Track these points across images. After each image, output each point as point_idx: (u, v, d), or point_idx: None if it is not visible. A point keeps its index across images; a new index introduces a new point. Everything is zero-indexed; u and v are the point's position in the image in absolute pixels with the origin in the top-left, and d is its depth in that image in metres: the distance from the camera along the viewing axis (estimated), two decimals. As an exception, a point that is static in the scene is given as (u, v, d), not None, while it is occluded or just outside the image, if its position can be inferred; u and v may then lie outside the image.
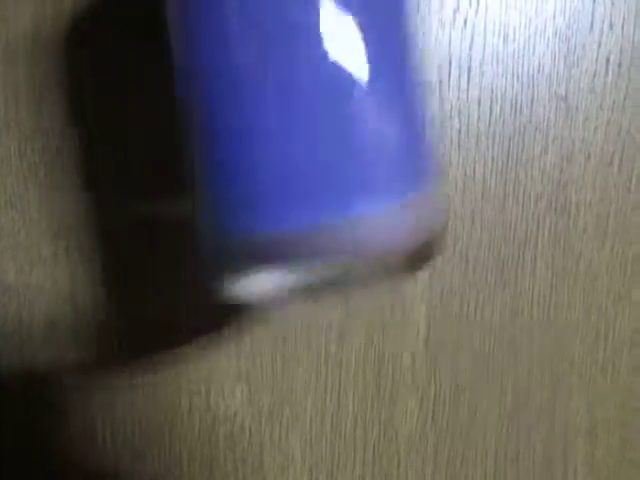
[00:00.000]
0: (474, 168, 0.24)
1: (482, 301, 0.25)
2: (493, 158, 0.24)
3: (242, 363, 0.24)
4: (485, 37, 0.23)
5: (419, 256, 0.16)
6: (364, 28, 0.16)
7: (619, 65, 0.24)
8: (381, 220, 0.15)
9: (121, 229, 0.22)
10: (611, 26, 0.24)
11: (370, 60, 0.16)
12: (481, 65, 0.24)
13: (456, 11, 0.23)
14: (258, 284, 0.16)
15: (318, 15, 0.15)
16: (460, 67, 0.23)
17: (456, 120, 0.24)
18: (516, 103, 0.24)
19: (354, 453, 0.25)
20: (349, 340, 0.24)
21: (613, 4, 0.24)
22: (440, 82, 0.23)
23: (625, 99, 0.25)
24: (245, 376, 0.24)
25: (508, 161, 0.24)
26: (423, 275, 0.24)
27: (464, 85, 0.24)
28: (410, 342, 0.24)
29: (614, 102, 0.24)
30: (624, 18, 0.24)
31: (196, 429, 0.24)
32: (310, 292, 0.16)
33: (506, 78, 0.24)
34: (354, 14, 0.15)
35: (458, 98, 0.24)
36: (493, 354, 0.25)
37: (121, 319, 0.23)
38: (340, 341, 0.24)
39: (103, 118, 0.22)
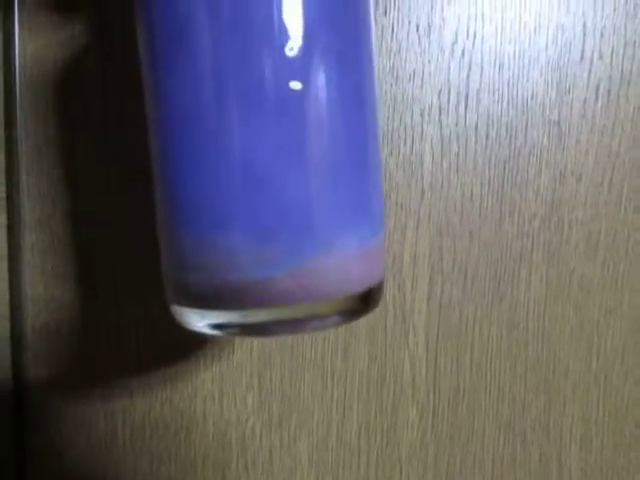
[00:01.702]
0: (472, 189, 0.26)
1: (480, 315, 0.26)
2: (490, 180, 0.26)
3: (253, 373, 0.25)
4: (482, 66, 0.25)
5: (364, 302, 0.17)
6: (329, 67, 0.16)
7: (609, 92, 0.26)
8: (335, 268, 0.16)
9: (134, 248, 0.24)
10: (601, 56, 0.26)
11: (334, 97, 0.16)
12: (478, 92, 0.25)
13: (454, 43, 0.25)
14: (211, 321, 0.17)
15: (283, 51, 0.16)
16: (458, 94, 0.25)
17: (455, 144, 0.25)
18: (511, 128, 0.25)
19: (358, 460, 0.26)
20: (353, 354, 0.25)
21: (602, 36, 0.26)
22: (440, 108, 0.25)
23: (614, 124, 0.26)
24: (256, 385, 0.25)
25: (504, 182, 0.26)
26: (423, 290, 0.25)
27: (462, 111, 0.25)
28: (410, 355, 0.26)
29: (604, 127, 0.26)
30: (613, 48, 0.26)
31: (210, 434, 0.25)
32: (262, 331, 0.17)
33: (502, 105, 0.25)
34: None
35: (456, 124, 0.25)
36: (490, 365, 0.26)
37: (140, 329, 0.24)
38: (345, 355, 0.25)
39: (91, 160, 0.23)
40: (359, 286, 0.17)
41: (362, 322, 0.25)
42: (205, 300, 0.17)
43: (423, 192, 0.25)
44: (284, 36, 0.16)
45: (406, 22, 0.24)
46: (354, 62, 0.17)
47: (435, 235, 0.25)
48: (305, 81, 0.16)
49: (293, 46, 0.16)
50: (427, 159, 0.25)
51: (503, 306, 0.26)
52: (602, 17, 0.26)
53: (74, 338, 0.24)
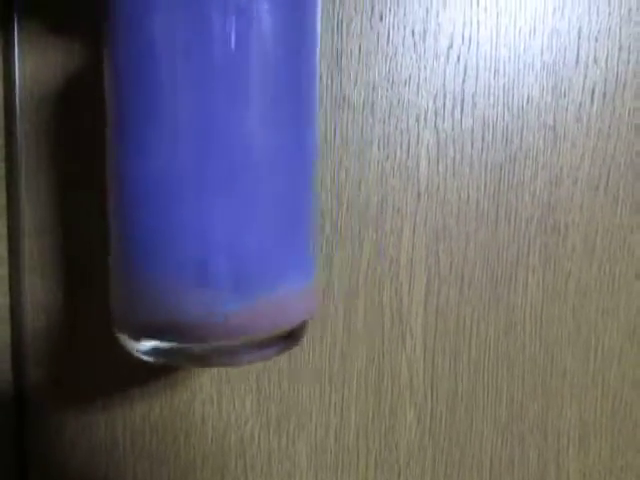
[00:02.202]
0: (468, 193, 0.26)
1: (477, 317, 0.26)
2: (486, 183, 0.26)
3: (252, 376, 0.25)
4: (477, 71, 0.25)
5: (297, 334, 0.19)
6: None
7: (604, 96, 0.26)
8: (272, 308, 0.18)
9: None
10: (595, 60, 0.26)
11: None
12: (474, 97, 0.25)
13: (450, 48, 0.25)
14: (152, 350, 0.18)
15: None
16: (454, 99, 0.25)
17: (451, 148, 0.25)
18: (507, 132, 0.26)
19: (357, 462, 0.26)
20: (351, 357, 0.26)
21: (597, 40, 0.26)
22: (435, 113, 0.25)
23: (610, 127, 0.26)
24: (255, 388, 0.25)
25: (500, 186, 0.26)
26: (420, 293, 0.26)
27: (458, 116, 0.25)
28: (408, 357, 0.26)
29: (599, 130, 0.26)
30: (608, 53, 0.26)
31: (209, 436, 0.25)
32: (202, 361, 0.18)
33: (497, 109, 0.26)
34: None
35: (452, 128, 0.25)
36: (488, 368, 0.27)
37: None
38: (342, 358, 0.26)
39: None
40: (293, 322, 0.19)
41: (359, 325, 0.26)
42: (146, 333, 0.18)
43: (419, 196, 0.25)
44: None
45: (402, 27, 0.25)
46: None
47: (432, 238, 0.26)
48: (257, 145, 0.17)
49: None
50: (423, 163, 0.25)
51: (500, 308, 0.26)
52: (597, 22, 0.26)
53: (74, 343, 0.24)
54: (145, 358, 0.18)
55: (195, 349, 0.18)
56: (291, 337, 0.19)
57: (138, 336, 0.18)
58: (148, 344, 0.18)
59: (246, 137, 0.17)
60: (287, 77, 0.17)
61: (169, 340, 0.18)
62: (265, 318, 0.18)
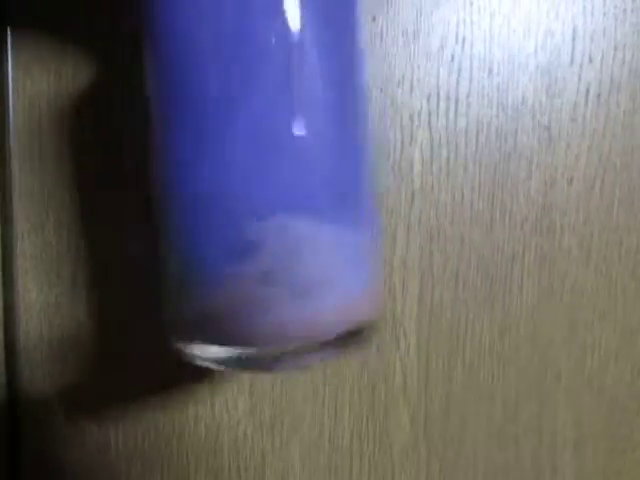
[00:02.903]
0: (463, 193, 0.26)
1: (472, 318, 0.26)
2: (480, 184, 0.26)
3: (245, 377, 0.25)
4: (471, 71, 0.25)
5: (360, 338, 0.18)
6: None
7: (598, 96, 0.26)
8: (335, 308, 0.17)
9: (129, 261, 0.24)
10: (590, 60, 0.26)
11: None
12: (468, 97, 0.25)
13: (443, 48, 0.25)
14: (205, 354, 0.18)
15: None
16: (448, 99, 0.25)
17: (445, 149, 0.25)
18: (501, 132, 0.26)
19: (350, 463, 0.26)
20: (344, 360, 0.26)
21: (592, 40, 0.26)
22: (429, 113, 0.25)
23: (604, 127, 0.26)
24: (247, 389, 0.25)
25: (494, 186, 0.26)
26: (414, 294, 0.26)
27: (452, 116, 0.25)
28: (401, 358, 0.26)
29: (594, 130, 0.26)
30: (603, 52, 0.26)
31: (202, 438, 0.25)
32: (263, 367, 0.17)
33: (491, 109, 0.25)
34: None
35: (446, 128, 0.25)
36: (482, 369, 0.26)
37: (133, 334, 0.24)
38: (336, 362, 0.25)
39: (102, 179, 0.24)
40: (360, 321, 0.18)
41: (353, 326, 0.25)
42: (205, 335, 0.17)
43: (413, 196, 0.25)
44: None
45: (394, 28, 0.25)
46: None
47: (425, 239, 0.25)
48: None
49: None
50: (417, 163, 0.25)
51: (495, 310, 0.26)
52: (591, 22, 0.26)
53: (67, 344, 0.24)
54: (209, 365, 0.18)
55: (256, 354, 0.17)
56: (359, 337, 0.18)
57: (195, 340, 0.17)
58: (211, 351, 0.17)
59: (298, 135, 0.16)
60: (340, 70, 0.17)
61: (233, 344, 0.17)
62: (329, 319, 0.17)
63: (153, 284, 0.24)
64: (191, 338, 0.18)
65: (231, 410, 0.25)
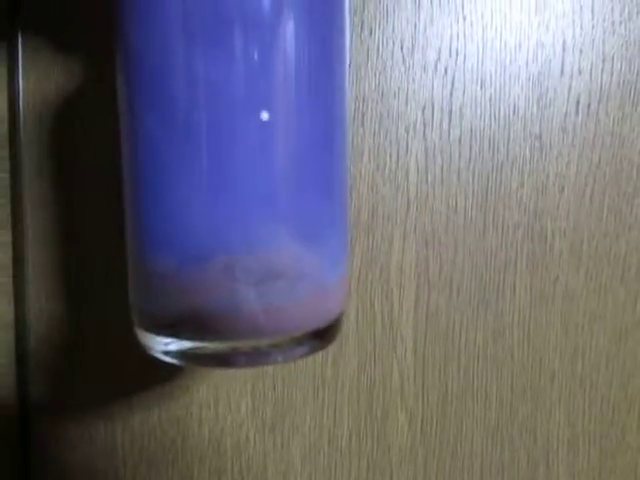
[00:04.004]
0: (456, 201, 0.26)
1: (466, 323, 0.27)
2: (474, 192, 0.26)
3: (247, 380, 0.26)
4: (464, 83, 0.26)
5: (324, 335, 0.18)
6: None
7: (588, 106, 0.27)
8: (300, 304, 0.17)
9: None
10: (580, 71, 0.27)
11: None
12: (461, 108, 0.26)
13: (437, 61, 0.26)
14: (176, 348, 0.17)
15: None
16: (442, 110, 0.26)
17: (439, 158, 0.26)
18: (494, 142, 0.26)
19: (350, 464, 0.27)
20: (343, 361, 0.26)
21: (582, 52, 0.27)
22: (424, 124, 0.26)
23: (595, 136, 0.27)
24: (250, 391, 0.26)
25: (487, 194, 0.27)
26: (410, 299, 0.26)
27: (446, 126, 0.26)
28: (399, 362, 0.27)
29: (584, 139, 0.27)
30: (592, 64, 0.27)
31: (205, 439, 0.26)
32: (222, 362, 0.17)
33: (484, 119, 0.26)
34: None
35: (440, 138, 0.26)
36: (477, 372, 0.27)
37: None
38: (335, 362, 0.26)
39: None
40: (327, 317, 0.18)
41: (351, 330, 0.26)
42: (169, 328, 0.17)
43: (409, 204, 0.26)
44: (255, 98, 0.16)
45: (390, 42, 0.25)
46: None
47: (421, 245, 0.26)
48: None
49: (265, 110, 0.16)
50: (412, 172, 0.26)
51: (489, 314, 0.27)
52: (581, 34, 0.26)
53: (76, 349, 0.25)
54: (166, 359, 0.18)
55: (220, 348, 0.17)
56: (325, 335, 0.18)
57: (158, 332, 0.17)
58: (169, 343, 0.17)
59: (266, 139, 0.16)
60: (319, 87, 0.17)
61: (190, 337, 0.17)
62: (294, 315, 0.17)
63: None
64: (157, 331, 0.17)
65: (234, 412, 0.26)
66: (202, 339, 0.17)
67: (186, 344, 0.17)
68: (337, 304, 0.19)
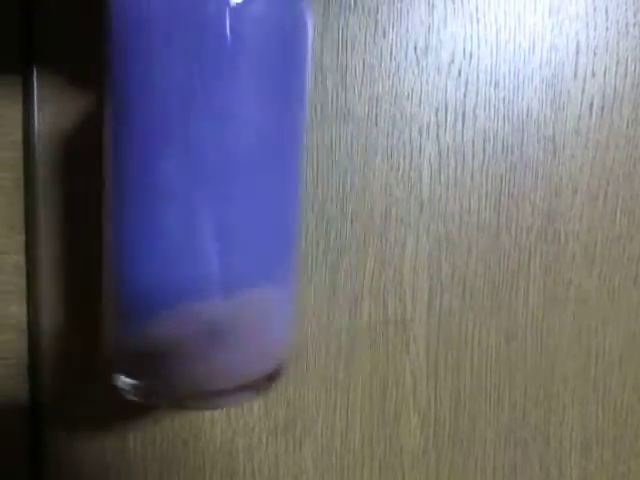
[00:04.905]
0: (470, 202, 0.26)
1: (479, 325, 0.27)
2: (487, 193, 0.26)
3: (259, 381, 0.26)
4: (478, 85, 0.26)
5: (272, 378, 0.20)
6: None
7: (602, 108, 0.27)
8: (256, 356, 0.19)
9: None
10: (594, 74, 0.27)
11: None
12: (474, 110, 0.26)
13: (451, 63, 0.26)
14: (135, 387, 0.19)
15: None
16: (455, 112, 0.26)
17: (452, 159, 0.26)
18: (507, 144, 0.26)
19: (362, 466, 0.27)
20: (355, 364, 0.26)
21: (595, 54, 0.26)
22: (437, 126, 0.26)
23: (608, 139, 0.27)
24: (262, 393, 0.26)
25: (501, 196, 0.27)
26: (423, 301, 0.26)
27: (459, 128, 0.26)
28: (411, 364, 0.27)
29: (598, 142, 0.27)
30: (606, 66, 0.27)
31: (217, 441, 0.26)
32: (178, 403, 0.19)
33: (497, 121, 0.26)
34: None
35: (454, 140, 0.26)
36: (490, 374, 0.27)
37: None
38: (347, 365, 0.26)
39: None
40: (273, 367, 0.20)
41: (364, 332, 0.26)
42: (120, 365, 0.19)
43: (422, 206, 0.26)
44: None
45: (404, 43, 0.25)
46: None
47: (434, 247, 0.26)
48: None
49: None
50: (425, 174, 0.26)
51: (501, 316, 0.27)
52: (594, 36, 0.26)
53: (89, 352, 0.25)
54: (129, 397, 0.19)
55: (171, 389, 0.18)
56: (274, 378, 0.20)
57: (118, 370, 0.19)
58: (127, 380, 0.19)
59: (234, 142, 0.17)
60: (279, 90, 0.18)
61: (140, 375, 0.18)
62: (250, 364, 0.18)
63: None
64: (124, 370, 0.19)
65: (246, 414, 0.26)
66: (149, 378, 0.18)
67: (136, 383, 0.19)
68: (284, 356, 0.20)
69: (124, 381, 0.19)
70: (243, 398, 0.19)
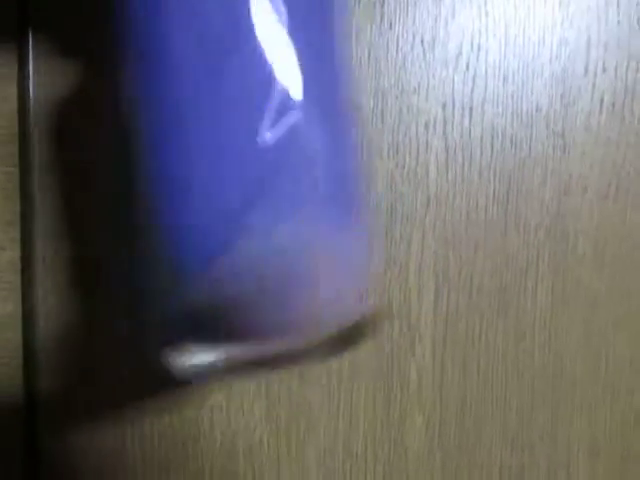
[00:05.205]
0: (477, 200, 0.26)
1: (486, 325, 0.26)
2: (495, 190, 0.26)
3: (261, 382, 0.25)
4: (486, 79, 0.25)
5: (348, 336, 0.17)
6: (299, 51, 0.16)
7: (613, 105, 0.26)
8: (311, 304, 0.16)
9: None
10: (604, 69, 0.26)
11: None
12: (482, 105, 0.25)
13: (459, 56, 0.25)
14: (189, 359, 0.17)
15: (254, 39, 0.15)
16: (463, 107, 0.25)
17: (460, 155, 0.26)
18: (516, 140, 0.26)
19: (365, 469, 0.26)
20: (359, 363, 0.26)
21: (606, 49, 0.26)
22: (444, 121, 0.25)
23: (618, 136, 0.26)
24: (263, 394, 0.25)
25: (509, 193, 0.26)
26: (429, 300, 0.26)
27: (467, 123, 0.25)
28: (417, 364, 0.26)
29: (608, 139, 0.26)
30: (617, 62, 0.26)
31: (217, 443, 0.25)
32: (239, 370, 0.16)
33: (506, 117, 0.26)
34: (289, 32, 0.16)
35: (462, 135, 0.25)
36: (497, 375, 0.27)
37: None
38: (351, 364, 0.26)
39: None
40: (347, 321, 0.17)
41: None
42: (202, 334, 0.16)
43: (429, 203, 0.25)
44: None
45: (411, 36, 0.25)
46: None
47: (441, 245, 0.26)
48: None
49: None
50: (432, 170, 0.25)
51: (509, 316, 0.26)
52: (605, 31, 0.26)
53: (85, 350, 0.24)
54: (194, 374, 0.17)
55: (245, 354, 0.16)
56: (352, 334, 0.17)
57: (187, 341, 0.16)
58: (201, 354, 0.16)
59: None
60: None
61: (203, 338, 0.16)
62: (319, 316, 0.16)
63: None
64: (181, 339, 0.17)
65: (247, 415, 0.25)
66: (214, 337, 0.16)
67: (213, 352, 0.16)
68: (357, 307, 0.18)
69: (184, 354, 0.17)
70: (317, 357, 0.17)
